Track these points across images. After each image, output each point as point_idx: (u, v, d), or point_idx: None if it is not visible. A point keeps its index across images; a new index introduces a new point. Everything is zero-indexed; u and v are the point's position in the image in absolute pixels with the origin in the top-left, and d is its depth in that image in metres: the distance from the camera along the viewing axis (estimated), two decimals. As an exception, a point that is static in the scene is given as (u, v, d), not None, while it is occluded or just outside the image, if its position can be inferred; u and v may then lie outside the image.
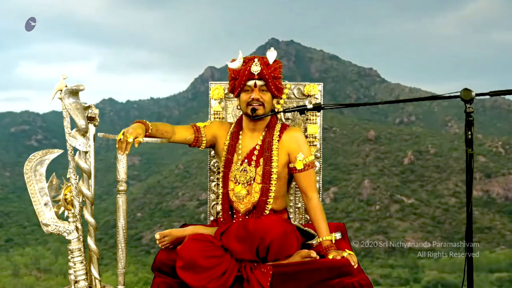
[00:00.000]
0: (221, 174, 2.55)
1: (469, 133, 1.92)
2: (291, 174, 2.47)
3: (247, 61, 2.38)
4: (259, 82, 2.37)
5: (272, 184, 2.40)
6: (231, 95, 2.86)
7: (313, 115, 2.81)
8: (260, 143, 2.46)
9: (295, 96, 2.83)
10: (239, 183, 2.43)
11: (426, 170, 35.39)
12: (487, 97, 2.00)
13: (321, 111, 2.72)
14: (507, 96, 2.11)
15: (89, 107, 2.30)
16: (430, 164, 36.05)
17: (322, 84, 2.86)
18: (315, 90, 2.82)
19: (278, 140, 2.44)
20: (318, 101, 2.80)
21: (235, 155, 2.48)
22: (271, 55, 2.38)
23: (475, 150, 1.95)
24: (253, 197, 2.40)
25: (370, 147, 38.52)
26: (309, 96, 2.82)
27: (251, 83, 2.37)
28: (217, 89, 2.86)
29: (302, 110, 2.35)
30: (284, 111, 2.48)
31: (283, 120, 2.81)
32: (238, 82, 2.39)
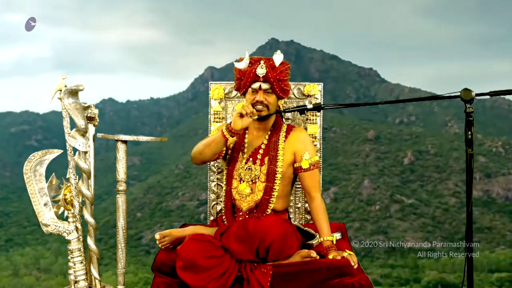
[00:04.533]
0: (224, 172, 2.55)
1: (469, 133, 1.92)
2: (295, 174, 2.48)
3: (254, 62, 2.38)
4: (264, 86, 2.36)
5: (276, 183, 2.41)
6: (231, 95, 2.86)
7: (313, 115, 2.81)
8: (266, 142, 2.47)
9: (295, 96, 2.83)
10: (243, 181, 2.44)
11: (426, 170, 35.42)
12: (487, 97, 2.00)
13: (321, 111, 2.72)
14: (507, 96, 2.11)
15: (88, 107, 2.30)
16: (430, 164, 36.08)
17: (322, 84, 2.85)
18: (315, 90, 2.81)
19: (284, 140, 2.45)
20: (318, 101, 2.80)
21: (240, 154, 2.49)
22: (278, 58, 2.37)
23: (475, 150, 1.95)
24: (257, 195, 2.41)
25: (370, 147, 38.54)
26: (309, 96, 2.82)
27: (256, 85, 2.37)
28: (217, 89, 2.86)
29: (302, 110, 2.35)
30: (284, 111, 2.49)
31: (283, 120, 2.81)
32: (243, 83, 2.39)
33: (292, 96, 2.82)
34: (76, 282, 2.23)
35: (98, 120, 2.34)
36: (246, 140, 2.51)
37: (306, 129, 2.81)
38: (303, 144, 2.44)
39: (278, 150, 2.44)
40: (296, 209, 2.86)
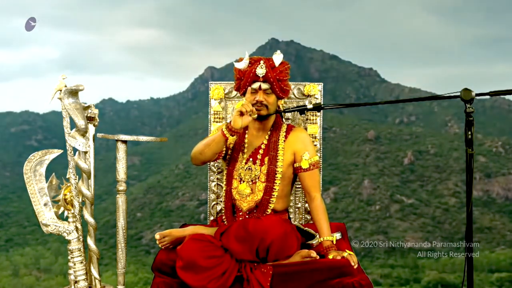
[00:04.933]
0: (225, 172, 2.55)
1: (469, 133, 1.92)
2: (295, 174, 2.48)
3: (253, 62, 2.38)
4: (263, 86, 2.36)
5: (276, 183, 2.41)
6: (231, 95, 2.86)
7: (313, 115, 2.81)
8: (266, 142, 2.47)
9: (295, 96, 2.83)
10: (243, 181, 2.44)
11: (426, 170, 35.42)
12: (487, 97, 2.00)
13: (321, 111, 2.72)
14: (507, 96, 2.11)
15: (88, 107, 2.30)
16: (430, 164, 36.08)
17: (322, 84, 2.85)
18: (315, 90, 2.82)
19: (284, 140, 2.45)
20: (318, 101, 2.80)
21: (240, 154, 2.49)
22: (277, 58, 2.37)
23: (475, 150, 1.95)
24: (257, 195, 2.41)
25: (370, 147, 38.54)
26: (309, 96, 2.82)
27: (255, 85, 2.37)
28: (217, 89, 2.86)
29: (302, 110, 2.35)
30: (284, 111, 2.49)
31: (283, 120, 2.81)
32: (243, 83, 2.39)
33: (292, 96, 2.82)
34: (76, 282, 2.23)
35: (98, 120, 2.34)
36: (246, 140, 2.51)
37: (306, 129, 2.81)
38: (303, 144, 2.44)
39: (278, 150, 2.44)
40: (296, 209, 2.86)
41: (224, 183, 2.55)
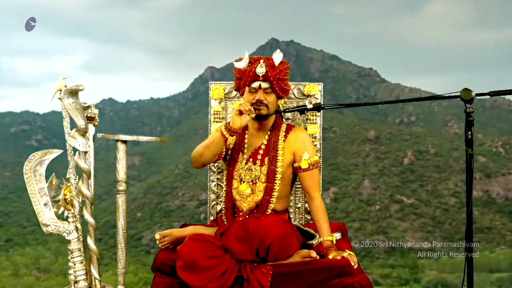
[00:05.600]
0: (225, 172, 2.56)
1: (469, 133, 1.92)
2: (295, 174, 2.48)
3: (253, 61, 2.38)
4: (263, 85, 2.36)
5: (276, 183, 2.41)
6: (231, 95, 2.86)
7: (313, 115, 2.82)
8: (265, 142, 2.47)
9: (295, 96, 2.83)
10: (243, 182, 2.44)
11: (426, 170, 35.38)
12: (487, 97, 2.00)
13: (321, 111, 2.72)
14: (507, 96, 2.11)
15: (88, 107, 2.30)
16: (430, 164, 36.04)
17: (322, 84, 2.86)
18: (315, 90, 2.82)
19: (283, 140, 2.45)
20: (318, 101, 2.80)
21: (240, 154, 2.49)
22: (277, 57, 2.38)
23: (475, 150, 1.95)
24: (257, 195, 2.42)
25: (370, 147, 38.51)
26: (309, 96, 2.82)
27: (255, 84, 2.37)
28: (217, 89, 2.86)
29: (302, 110, 2.35)
30: (284, 111, 2.49)
31: (283, 120, 2.81)
32: (243, 82, 2.39)
33: (292, 96, 2.82)
34: (76, 282, 2.24)
35: (98, 120, 2.35)
36: (246, 141, 2.51)
37: (306, 129, 2.81)
38: (302, 144, 2.44)
39: (277, 150, 2.44)
40: (296, 209, 2.86)
41: (224, 183, 2.56)
